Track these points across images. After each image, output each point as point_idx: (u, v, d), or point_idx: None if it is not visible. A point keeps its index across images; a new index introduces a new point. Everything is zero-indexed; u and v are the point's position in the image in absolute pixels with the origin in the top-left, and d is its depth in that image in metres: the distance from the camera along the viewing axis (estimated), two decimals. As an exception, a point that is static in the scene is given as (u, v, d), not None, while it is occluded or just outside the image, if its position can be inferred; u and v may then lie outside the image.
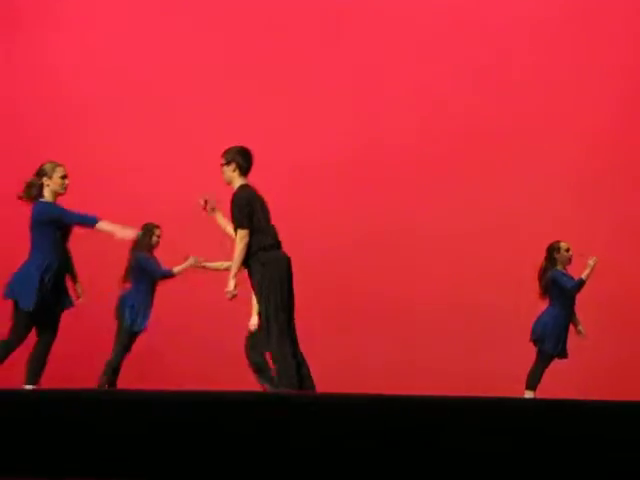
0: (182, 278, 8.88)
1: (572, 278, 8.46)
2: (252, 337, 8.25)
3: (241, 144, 7.08)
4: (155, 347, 9.51)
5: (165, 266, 8.83)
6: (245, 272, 7.00)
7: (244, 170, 7.03)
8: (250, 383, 8.22)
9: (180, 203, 9.08)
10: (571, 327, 8.60)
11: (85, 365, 8.94)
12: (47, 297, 6.90)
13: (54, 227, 6.95)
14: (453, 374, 9.65)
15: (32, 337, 7.08)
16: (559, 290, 8.47)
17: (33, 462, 5.06)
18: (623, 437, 4.96)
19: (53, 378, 7.13)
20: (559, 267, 8.52)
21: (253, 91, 10.72)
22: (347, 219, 10.46)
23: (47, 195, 7.04)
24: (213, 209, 7.26)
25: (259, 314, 7.09)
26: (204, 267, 8.78)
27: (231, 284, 6.91)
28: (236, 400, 5.59)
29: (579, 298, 8.61)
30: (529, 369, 8.50)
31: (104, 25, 11.09)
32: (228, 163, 7.02)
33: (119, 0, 11.26)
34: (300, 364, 6.86)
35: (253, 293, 7.09)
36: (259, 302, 6.96)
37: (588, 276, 8.36)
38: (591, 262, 8.36)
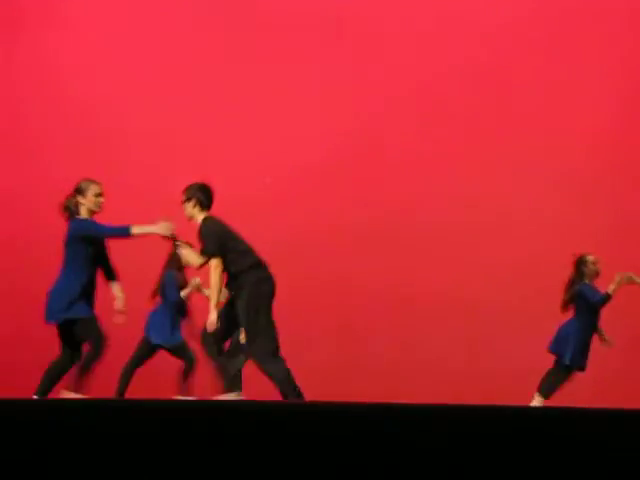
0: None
1: (599, 292, 8.40)
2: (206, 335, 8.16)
3: (202, 180, 7.20)
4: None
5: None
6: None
7: (205, 206, 7.13)
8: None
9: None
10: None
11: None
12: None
13: (88, 244, 7.02)
14: (455, 374, 9.69)
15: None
16: (585, 303, 8.40)
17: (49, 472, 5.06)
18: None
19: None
20: (586, 280, 8.45)
21: (253, 90, 10.69)
22: (347, 217, 10.43)
23: (83, 213, 7.11)
24: (178, 245, 7.34)
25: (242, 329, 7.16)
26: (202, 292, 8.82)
27: (213, 315, 6.97)
28: (235, 409, 5.67)
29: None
30: (544, 375, 8.43)
31: (107, 25, 11.00)
32: (188, 200, 7.12)
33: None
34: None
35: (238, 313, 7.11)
36: (246, 323, 7.02)
37: (614, 291, 8.30)
38: (618, 278, 8.31)
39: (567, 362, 8.32)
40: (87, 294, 7.04)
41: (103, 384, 7.43)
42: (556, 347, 8.42)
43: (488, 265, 10.12)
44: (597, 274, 8.47)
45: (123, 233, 7.01)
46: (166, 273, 8.89)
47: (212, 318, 6.95)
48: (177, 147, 10.60)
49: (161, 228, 7.06)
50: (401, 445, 5.02)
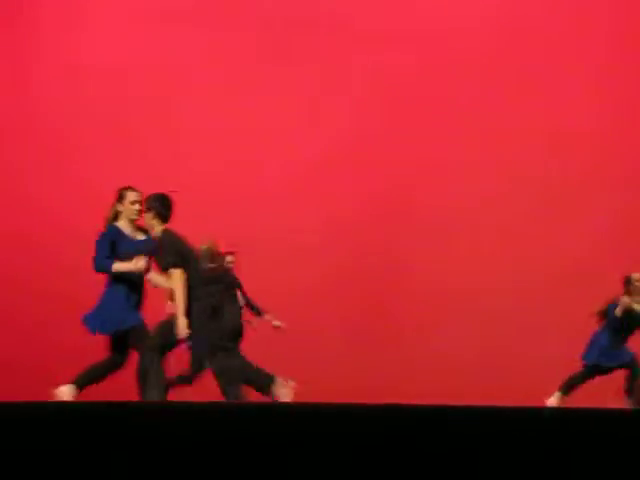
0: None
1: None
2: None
3: (161, 192, 7.20)
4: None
5: None
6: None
7: (163, 217, 7.14)
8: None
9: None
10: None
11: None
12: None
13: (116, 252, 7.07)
14: (468, 379, 9.72)
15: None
16: (609, 318, 8.85)
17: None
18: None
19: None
20: (636, 297, 8.79)
21: (255, 92, 10.77)
22: (351, 212, 10.50)
23: (122, 220, 7.13)
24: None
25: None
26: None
27: (183, 323, 6.98)
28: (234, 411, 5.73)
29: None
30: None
31: (116, 29, 11.06)
32: (147, 210, 7.14)
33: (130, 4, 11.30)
34: None
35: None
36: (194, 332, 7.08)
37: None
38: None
39: (587, 361, 8.70)
40: (136, 301, 7.08)
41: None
42: (590, 359, 8.81)
43: (503, 271, 10.18)
44: None
45: (102, 268, 7.01)
46: None
47: (182, 325, 6.95)
48: (184, 149, 10.67)
49: (135, 265, 7.03)
50: (405, 447, 5.06)
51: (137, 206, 7.07)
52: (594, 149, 10.37)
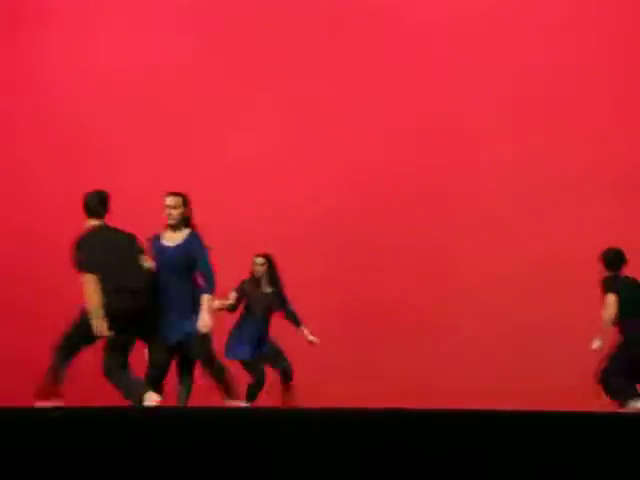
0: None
1: None
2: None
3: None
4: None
5: None
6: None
7: (88, 211, 7.08)
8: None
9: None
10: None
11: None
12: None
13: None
14: (466, 377, 9.64)
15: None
16: None
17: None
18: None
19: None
20: None
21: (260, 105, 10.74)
22: (373, 230, 10.43)
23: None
24: None
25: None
26: None
27: (102, 326, 6.90)
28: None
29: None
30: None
31: (106, 35, 11.06)
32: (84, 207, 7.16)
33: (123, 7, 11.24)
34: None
35: None
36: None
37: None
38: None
39: None
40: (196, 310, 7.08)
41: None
42: None
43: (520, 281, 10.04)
44: None
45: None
46: None
47: (102, 326, 6.87)
48: (187, 157, 10.61)
49: None
50: (406, 451, 5.06)
51: (165, 210, 7.14)
52: (594, 148, 10.30)
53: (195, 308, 6.99)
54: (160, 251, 7.09)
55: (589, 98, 10.36)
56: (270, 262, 8.68)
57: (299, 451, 5.14)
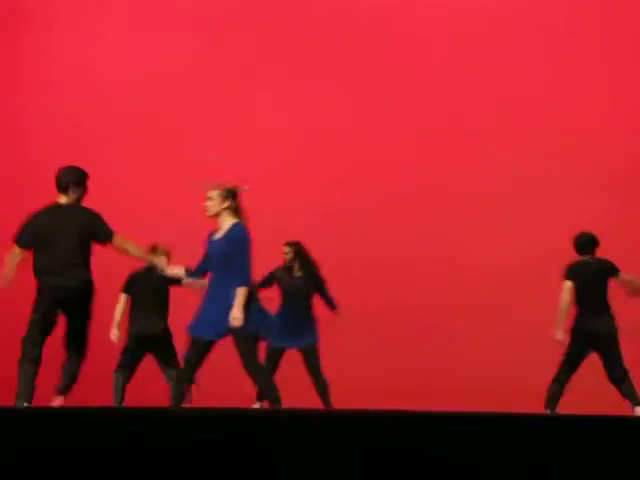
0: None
1: None
2: None
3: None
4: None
5: None
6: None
7: (58, 186, 7.00)
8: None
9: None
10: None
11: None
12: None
13: None
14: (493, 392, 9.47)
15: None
16: None
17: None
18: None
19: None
20: None
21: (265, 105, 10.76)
22: (386, 239, 10.44)
23: None
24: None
25: None
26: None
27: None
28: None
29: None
30: None
31: (108, 35, 11.13)
32: None
33: (129, 8, 11.26)
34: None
35: None
36: None
37: None
38: None
39: None
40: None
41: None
42: None
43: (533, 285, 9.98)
44: None
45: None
46: None
47: None
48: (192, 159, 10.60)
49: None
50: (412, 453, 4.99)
51: (204, 203, 6.99)
52: (594, 147, 10.33)
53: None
54: (209, 245, 7.01)
55: (589, 97, 10.38)
56: (296, 249, 8.85)
57: (304, 452, 5.06)
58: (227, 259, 6.81)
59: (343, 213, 10.42)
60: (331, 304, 8.86)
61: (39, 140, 10.86)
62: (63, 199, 6.94)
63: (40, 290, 6.85)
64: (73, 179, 6.94)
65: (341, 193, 10.47)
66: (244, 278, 6.78)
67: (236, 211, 6.94)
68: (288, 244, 8.91)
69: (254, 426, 5.25)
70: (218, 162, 10.27)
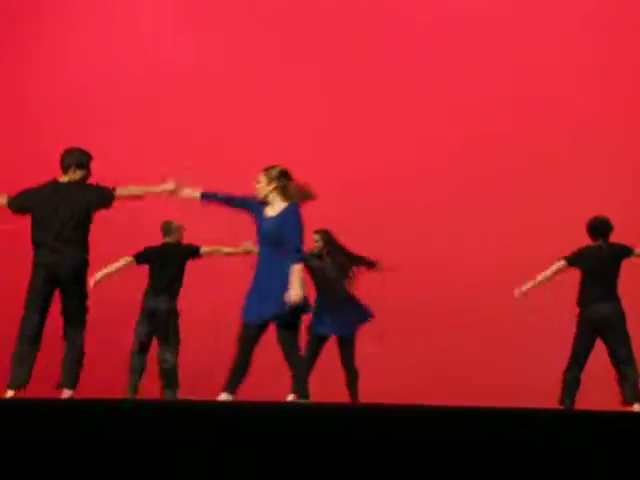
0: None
1: None
2: None
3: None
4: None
5: None
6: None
7: (61, 167, 7.03)
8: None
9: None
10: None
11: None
12: None
13: None
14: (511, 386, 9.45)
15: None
16: None
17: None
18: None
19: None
20: None
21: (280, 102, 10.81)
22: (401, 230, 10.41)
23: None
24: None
25: None
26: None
27: None
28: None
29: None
30: None
31: (123, 26, 11.24)
32: None
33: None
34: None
35: None
36: None
37: None
38: None
39: None
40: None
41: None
42: None
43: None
44: None
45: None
46: None
47: None
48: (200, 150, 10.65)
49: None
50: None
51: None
52: (601, 144, 10.39)
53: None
54: (261, 223, 6.92)
55: (607, 86, 10.41)
56: (326, 237, 8.81)
57: (320, 446, 5.05)
58: (278, 240, 6.76)
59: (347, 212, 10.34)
60: (372, 265, 8.83)
61: (49, 119, 10.91)
62: (64, 179, 6.97)
63: (33, 265, 6.85)
64: (75, 160, 6.96)
65: (344, 191, 10.45)
66: (298, 255, 6.75)
67: (284, 191, 6.85)
68: (317, 232, 8.83)
69: (278, 420, 5.18)
70: (221, 157, 10.36)
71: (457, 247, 10.39)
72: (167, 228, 8.66)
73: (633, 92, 10.37)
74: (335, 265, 8.76)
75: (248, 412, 5.56)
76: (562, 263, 8.14)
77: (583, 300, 8.07)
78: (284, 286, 6.65)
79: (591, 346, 8.04)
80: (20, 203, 6.93)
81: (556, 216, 10.17)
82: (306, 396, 6.73)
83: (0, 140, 11.19)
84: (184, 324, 8.69)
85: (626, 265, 8.17)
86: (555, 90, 10.47)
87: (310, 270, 8.61)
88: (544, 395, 8.06)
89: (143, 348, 8.60)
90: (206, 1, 11.35)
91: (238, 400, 6.67)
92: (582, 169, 10.24)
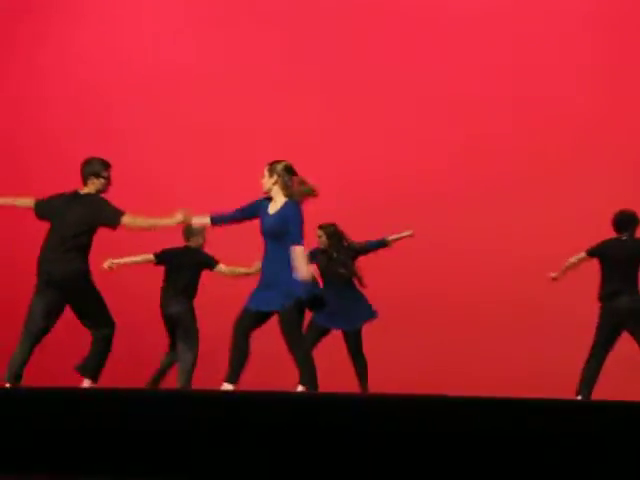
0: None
1: None
2: None
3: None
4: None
5: None
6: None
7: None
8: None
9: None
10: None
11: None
12: None
13: None
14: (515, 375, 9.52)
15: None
16: None
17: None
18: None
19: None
20: None
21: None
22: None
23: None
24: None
25: None
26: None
27: None
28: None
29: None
30: None
31: (131, 24, 11.28)
32: None
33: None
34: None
35: None
36: None
37: None
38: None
39: None
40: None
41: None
42: None
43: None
44: None
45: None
46: None
47: None
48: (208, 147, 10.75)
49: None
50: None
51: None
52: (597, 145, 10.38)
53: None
54: (263, 219, 7.01)
55: (591, 96, 10.40)
56: (329, 231, 8.79)
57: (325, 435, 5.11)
58: (279, 234, 6.83)
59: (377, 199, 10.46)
60: (381, 244, 8.87)
61: (49, 119, 10.91)
62: (84, 189, 7.14)
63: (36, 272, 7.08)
64: (93, 171, 7.13)
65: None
66: (298, 240, 6.80)
67: (286, 187, 6.90)
68: (321, 227, 8.83)
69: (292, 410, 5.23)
70: (221, 157, 10.45)
71: (457, 246, 10.38)
72: (188, 231, 8.53)
73: (633, 92, 10.35)
74: (339, 259, 8.75)
75: (252, 402, 5.59)
76: (583, 255, 8.24)
77: (604, 293, 8.12)
78: (288, 278, 6.71)
79: (613, 339, 8.08)
80: (42, 210, 7.16)
81: (556, 216, 10.20)
82: (314, 387, 6.74)
83: (1, 140, 11.21)
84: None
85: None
86: (555, 90, 10.45)
87: (316, 266, 8.63)
88: (548, 385, 8.09)
89: (170, 347, 8.65)
90: (208, 1, 11.37)
91: (241, 390, 6.71)
92: (582, 169, 10.22)
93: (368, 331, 8.92)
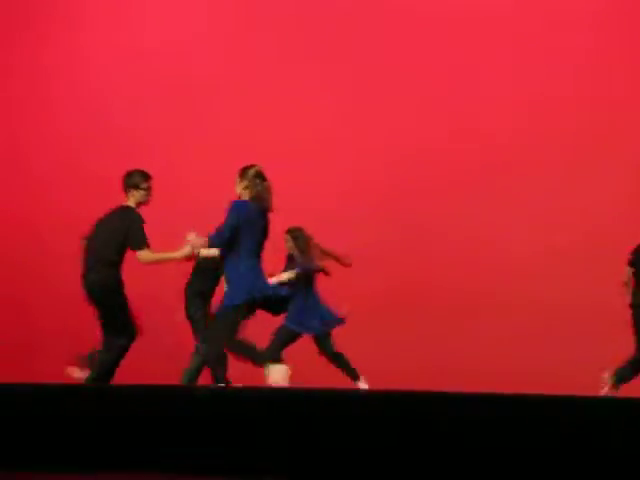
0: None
1: None
2: None
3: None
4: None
5: None
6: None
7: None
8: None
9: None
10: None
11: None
12: None
13: None
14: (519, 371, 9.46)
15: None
16: None
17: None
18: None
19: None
20: None
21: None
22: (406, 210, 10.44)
23: None
24: None
25: None
26: None
27: None
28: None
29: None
30: None
31: (134, 27, 11.29)
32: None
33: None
34: None
35: None
36: None
37: None
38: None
39: None
40: None
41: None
42: None
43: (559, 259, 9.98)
44: None
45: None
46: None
47: None
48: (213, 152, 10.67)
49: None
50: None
51: None
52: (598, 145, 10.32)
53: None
54: None
55: (591, 96, 10.37)
56: (292, 235, 8.70)
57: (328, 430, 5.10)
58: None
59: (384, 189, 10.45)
60: (340, 261, 8.72)
61: (51, 119, 10.93)
62: (127, 202, 7.42)
63: None
64: (132, 183, 7.40)
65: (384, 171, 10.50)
66: (218, 236, 6.89)
67: (251, 191, 6.90)
68: (286, 232, 8.73)
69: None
70: (221, 157, 10.37)
71: (457, 244, 10.39)
72: None
73: (633, 92, 10.35)
74: (304, 264, 8.61)
75: (242, 397, 5.65)
76: (628, 269, 8.21)
77: (637, 298, 8.12)
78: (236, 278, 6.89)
79: None
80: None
81: (556, 215, 10.18)
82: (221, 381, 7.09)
83: (3, 139, 11.23)
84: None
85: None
86: (555, 90, 10.46)
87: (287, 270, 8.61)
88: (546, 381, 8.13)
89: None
90: (212, 3, 11.39)
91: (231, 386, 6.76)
92: (582, 169, 10.23)
93: (365, 326, 8.91)
